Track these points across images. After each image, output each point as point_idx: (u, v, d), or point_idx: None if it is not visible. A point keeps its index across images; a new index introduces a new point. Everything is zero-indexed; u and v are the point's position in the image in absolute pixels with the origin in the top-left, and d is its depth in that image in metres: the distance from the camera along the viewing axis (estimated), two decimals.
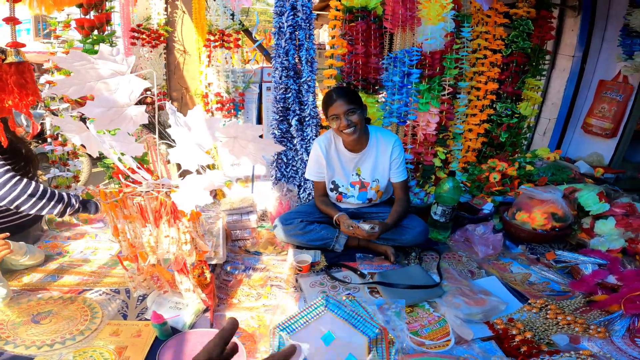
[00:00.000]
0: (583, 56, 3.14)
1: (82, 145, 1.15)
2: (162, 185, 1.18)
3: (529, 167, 2.65)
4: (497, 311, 1.52)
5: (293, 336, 0.48)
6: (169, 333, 1.35)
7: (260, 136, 1.14)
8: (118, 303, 1.53)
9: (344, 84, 2.56)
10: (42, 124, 2.65)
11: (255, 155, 1.18)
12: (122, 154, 1.08)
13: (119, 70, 0.98)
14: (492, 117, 2.84)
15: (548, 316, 1.50)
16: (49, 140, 2.44)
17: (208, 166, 2.74)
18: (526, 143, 3.32)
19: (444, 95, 2.51)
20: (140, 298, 1.58)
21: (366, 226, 1.83)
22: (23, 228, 1.88)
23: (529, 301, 1.61)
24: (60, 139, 2.42)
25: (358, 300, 1.58)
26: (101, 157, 2.52)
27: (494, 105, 2.85)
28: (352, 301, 0.52)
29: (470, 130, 2.77)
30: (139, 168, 1.11)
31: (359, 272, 1.83)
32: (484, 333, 1.43)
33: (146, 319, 1.44)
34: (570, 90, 3.22)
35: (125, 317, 1.47)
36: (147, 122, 1.06)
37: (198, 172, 1.15)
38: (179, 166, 1.13)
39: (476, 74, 2.71)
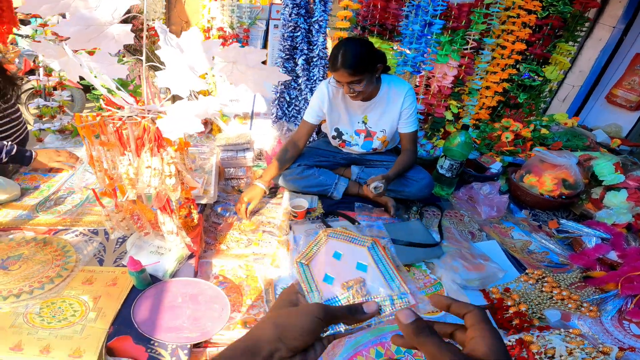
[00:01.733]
0: (625, 28, 2.93)
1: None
2: (148, 111, 1.03)
3: (544, 131, 2.51)
4: (494, 279, 1.46)
5: (311, 261, 0.61)
6: (147, 282, 1.23)
7: (264, 63, 0.97)
8: (95, 246, 1.39)
9: (359, 28, 2.32)
10: (34, 61, 2.44)
11: (256, 83, 1.02)
12: (99, 76, 0.91)
13: None
14: (513, 77, 2.65)
15: (544, 289, 1.46)
16: (37, 71, 2.27)
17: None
18: (544, 107, 3.18)
19: (466, 49, 2.33)
20: (120, 240, 1.45)
21: (373, 186, 1.68)
22: None
23: (527, 271, 1.55)
24: (46, 70, 2.26)
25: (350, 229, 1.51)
26: (90, 88, 2.34)
27: (517, 66, 2.66)
28: (345, 229, 0.55)
29: (488, 87, 2.59)
30: (118, 90, 0.95)
31: (356, 223, 1.74)
32: (479, 302, 1.38)
33: (124, 265, 1.32)
34: (602, 60, 3.07)
35: (101, 262, 1.34)
36: (131, 41, 0.89)
37: (190, 98, 1.00)
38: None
39: (505, 32, 2.48)
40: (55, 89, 2.30)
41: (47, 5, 0.80)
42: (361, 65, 1.61)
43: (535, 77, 2.69)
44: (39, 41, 1.06)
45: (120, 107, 1.05)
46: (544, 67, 2.71)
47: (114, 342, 1.05)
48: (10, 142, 1.66)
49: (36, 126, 2.19)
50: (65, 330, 1.04)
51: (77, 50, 0.90)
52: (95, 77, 0.96)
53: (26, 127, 1.96)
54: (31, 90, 3.08)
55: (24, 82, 2.41)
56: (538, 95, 2.83)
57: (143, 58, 0.97)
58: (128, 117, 1.00)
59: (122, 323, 1.10)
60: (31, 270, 1.21)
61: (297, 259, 0.62)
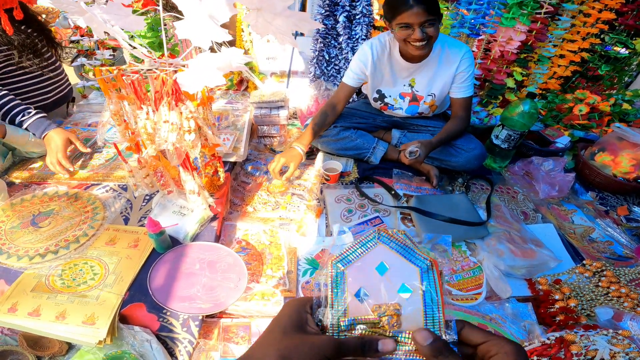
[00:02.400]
0: None
1: (106, 33, 0.91)
2: (170, 64, 0.95)
3: (626, 105, 2.16)
4: (545, 268, 1.29)
5: (349, 267, 0.50)
6: (167, 244, 1.19)
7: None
8: (122, 203, 1.38)
9: None
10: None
11: (284, 32, 0.89)
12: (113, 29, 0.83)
13: None
14: (596, 46, 2.27)
15: (600, 284, 1.26)
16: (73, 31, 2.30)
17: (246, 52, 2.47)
18: (628, 81, 2.75)
19: (539, 14, 2.00)
20: (147, 198, 1.42)
21: (408, 151, 1.53)
22: (44, 111, 1.75)
23: (584, 262, 1.36)
24: (88, 30, 2.28)
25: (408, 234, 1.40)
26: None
27: (602, 36, 2.26)
28: (403, 235, 0.43)
29: (562, 56, 2.24)
30: (136, 43, 0.87)
31: (393, 192, 1.61)
32: (523, 292, 1.22)
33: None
34: None
35: (126, 220, 1.32)
36: None
37: (212, 50, 0.90)
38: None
39: None
40: (96, 48, 2.33)
41: None
42: (436, 2, 1.41)
43: (622, 49, 2.29)
44: None
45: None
46: (635, 40, 2.29)
47: (127, 309, 1.04)
48: (28, 111, 1.60)
49: (80, 84, 2.24)
50: (82, 296, 1.04)
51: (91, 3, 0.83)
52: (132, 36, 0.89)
53: (69, 84, 2.01)
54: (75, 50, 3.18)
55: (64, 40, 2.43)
56: (623, 69, 2.43)
57: (160, 7, 0.87)
58: (147, 70, 0.92)
59: (138, 290, 1.09)
60: (59, 227, 1.23)
61: (333, 259, 0.51)
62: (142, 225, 1.31)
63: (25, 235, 1.19)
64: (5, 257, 1.12)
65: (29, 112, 1.56)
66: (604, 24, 2.15)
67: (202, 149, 1.12)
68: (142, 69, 0.94)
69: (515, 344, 0.39)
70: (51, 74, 1.84)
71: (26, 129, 1.56)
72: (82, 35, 2.47)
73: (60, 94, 1.93)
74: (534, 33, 2.09)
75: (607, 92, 2.37)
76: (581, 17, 2.14)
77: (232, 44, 2.35)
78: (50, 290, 1.05)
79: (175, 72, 0.95)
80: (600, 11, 2.10)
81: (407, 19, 1.41)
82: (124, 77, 0.95)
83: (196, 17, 0.84)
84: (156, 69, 0.95)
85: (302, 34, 2.37)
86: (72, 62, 3.48)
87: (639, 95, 2.39)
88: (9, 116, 1.55)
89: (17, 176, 1.54)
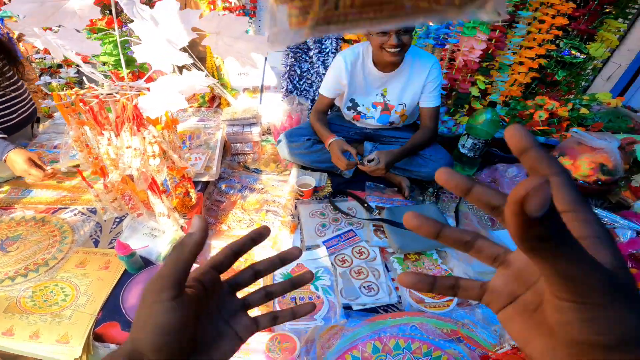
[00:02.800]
0: None
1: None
2: (130, 87, 0.95)
3: (583, 110, 2.27)
4: None
5: None
6: (139, 265, 1.19)
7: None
8: (91, 226, 1.37)
9: None
10: None
11: (243, 55, 0.91)
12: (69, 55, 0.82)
13: None
14: (552, 52, 2.39)
15: None
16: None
17: (213, 73, 2.47)
18: (585, 85, 2.89)
19: (497, 22, 2.09)
20: (117, 221, 1.41)
21: (368, 161, 1.59)
22: (7, 133, 1.73)
23: None
24: None
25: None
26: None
27: (557, 42, 2.39)
28: None
29: (521, 63, 2.35)
30: (112, 73, 0.87)
31: (365, 205, 1.64)
32: None
33: None
34: None
35: (96, 243, 1.32)
36: (98, 15, 0.79)
37: (174, 72, 0.90)
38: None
39: (543, 5, 2.20)
40: (60, 66, 2.28)
41: None
42: None
43: (577, 54, 2.41)
44: (16, 20, 0.98)
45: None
46: (589, 44, 2.43)
47: (102, 328, 1.04)
48: None
49: (45, 103, 2.19)
50: (54, 316, 1.04)
51: (45, 28, 0.82)
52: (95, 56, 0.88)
53: (33, 104, 1.94)
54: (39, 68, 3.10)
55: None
56: (579, 73, 2.56)
57: (116, 32, 0.88)
58: (107, 94, 0.92)
59: (111, 309, 1.09)
60: (28, 251, 1.23)
61: None
62: (112, 248, 1.30)
63: None
64: None
65: None
66: (558, 30, 2.27)
67: (170, 172, 1.11)
68: (102, 93, 0.93)
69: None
70: (14, 94, 1.77)
71: None
72: (45, 52, 2.41)
73: (24, 115, 1.86)
74: (493, 41, 2.18)
75: (565, 97, 2.48)
76: (536, 24, 2.26)
77: (202, 60, 2.35)
78: (22, 311, 1.06)
79: (138, 95, 0.95)
80: (553, 17, 2.21)
81: None
82: (82, 102, 0.94)
83: (154, 41, 0.85)
84: (116, 93, 0.95)
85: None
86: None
87: (595, 99, 2.51)
88: None
89: None
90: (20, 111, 1.83)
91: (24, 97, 1.86)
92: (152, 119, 0.94)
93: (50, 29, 0.94)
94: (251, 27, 2.47)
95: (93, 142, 0.99)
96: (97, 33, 1.86)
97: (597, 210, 1.73)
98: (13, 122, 1.79)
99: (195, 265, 0.63)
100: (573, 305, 0.23)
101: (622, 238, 1.54)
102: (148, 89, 0.95)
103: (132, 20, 0.81)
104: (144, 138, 0.92)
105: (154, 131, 0.94)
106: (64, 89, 2.28)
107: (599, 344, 0.24)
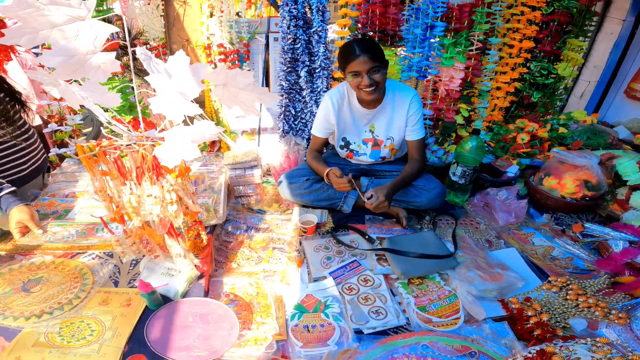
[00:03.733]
0: (635, 21, 2.81)
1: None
2: (146, 137, 1.05)
3: (562, 130, 2.41)
4: (513, 288, 1.40)
5: None
6: (159, 302, 1.26)
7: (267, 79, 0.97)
8: (110, 268, 1.45)
9: (359, 36, 2.30)
10: None
11: (248, 104, 1.02)
12: (91, 106, 0.93)
13: (78, 15, 0.82)
14: (524, 75, 2.57)
15: (568, 297, 1.38)
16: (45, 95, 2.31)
17: (212, 116, 2.60)
18: (560, 105, 3.06)
19: (471, 50, 2.28)
20: (134, 263, 1.49)
21: (366, 197, 1.68)
22: (20, 184, 1.74)
23: (549, 278, 1.48)
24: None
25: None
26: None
27: (528, 65, 2.58)
28: None
29: (498, 88, 2.52)
30: (116, 120, 0.97)
31: (367, 237, 1.71)
32: (497, 312, 1.32)
33: (137, 287, 1.34)
34: (616, 54, 2.93)
35: (116, 283, 1.39)
36: (119, 69, 0.90)
37: (186, 123, 1.00)
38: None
39: (510, 31, 2.42)
40: (69, 113, 2.33)
41: (27, 37, 0.82)
42: (380, 52, 1.63)
43: (547, 74, 2.59)
44: (35, 69, 1.09)
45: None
46: (556, 64, 2.62)
47: None
48: (5, 187, 1.57)
49: (52, 151, 2.21)
50: (83, 349, 1.09)
51: (69, 80, 0.92)
52: (108, 109, 0.98)
53: (44, 153, 1.94)
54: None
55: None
56: (553, 93, 2.73)
57: (134, 85, 0.98)
58: (127, 145, 1.01)
59: (137, 342, 1.14)
60: (51, 292, 1.29)
61: None
62: (132, 287, 1.36)
63: (18, 300, 1.25)
64: (2, 318, 1.17)
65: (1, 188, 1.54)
66: (527, 53, 2.45)
67: (184, 216, 1.19)
68: (122, 144, 1.02)
69: None
70: (25, 144, 1.74)
71: None
72: (51, 99, 2.45)
73: (36, 165, 1.84)
74: (470, 69, 2.34)
75: (543, 118, 2.62)
76: (506, 49, 2.44)
77: (201, 104, 2.47)
78: (50, 345, 1.10)
79: (153, 146, 1.05)
80: (520, 41, 2.40)
81: (356, 67, 1.61)
82: (106, 154, 1.03)
83: (168, 93, 0.95)
84: (134, 143, 1.04)
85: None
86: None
87: (572, 118, 2.66)
88: None
89: (2, 248, 1.54)
90: (32, 161, 1.81)
91: (35, 146, 1.84)
92: (168, 168, 1.03)
93: (75, 81, 1.03)
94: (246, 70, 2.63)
95: (114, 191, 1.07)
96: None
97: (589, 224, 1.82)
98: (25, 172, 1.77)
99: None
100: None
101: (615, 248, 1.62)
102: (162, 139, 1.05)
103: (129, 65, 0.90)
104: (163, 187, 1.01)
105: (171, 180, 1.03)
106: (72, 136, 2.35)
107: None
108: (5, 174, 1.68)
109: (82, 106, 1.03)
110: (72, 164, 2.25)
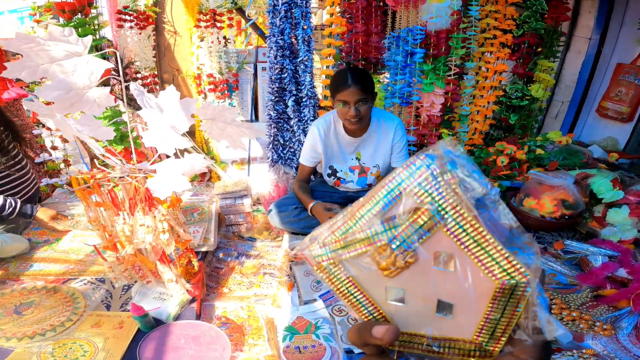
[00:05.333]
0: (600, 39, 3.00)
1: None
2: (139, 170, 1.10)
3: (539, 151, 2.52)
4: None
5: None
6: (151, 325, 1.29)
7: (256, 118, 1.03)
8: (102, 293, 1.47)
9: (344, 64, 2.42)
10: None
11: (235, 138, 1.09)
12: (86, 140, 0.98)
13: (74, 51, 0.89)
14: (501, 99, 2.71)
15: (552, 312, 1.42)
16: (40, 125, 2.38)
17: (202, 146, 2.67)
18: (537, 126, 3.20)
19: (449, 75, 2.41)
20: (125, 288, 1.52)
21: None
22: (12, 214, 1.76)
23: None
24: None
25: None
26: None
27: (503, 87, 2.72)
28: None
29: (477, 112, 2.64)
30: (110, 153, 1.02)
31: None
32: None
33: (129, 310, 1.36)
34: (585, 73, 3.09)
35: (108, 307, 1.42)
36: (113, 104, 0.97)
37: (176, 155, 1.06)
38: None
39: (485, 54, 2.57)
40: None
41: (27, 71, 0.88)
42: (370, 84, 1.70)
43: (522, 96, 2.72)
44: (32, 100, 1.15)
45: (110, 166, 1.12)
46: (530, 86, 2.76)
47: None
48: (13, 199, 1.70)
49: (44, 181, 2.24)
50: None
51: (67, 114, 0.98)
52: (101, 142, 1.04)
53: (36, 183, 1.97)
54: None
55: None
56: (529, 115, 2.86)
57: (126, 117, 1.05)
58: (119, 177, 1.06)
59: None
60: (43, 315, 1.31)
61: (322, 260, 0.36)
62: (124, 311, 1.38)
63: (10, 322, 1.27)
64: None
65: (9, 201, 1.66)
66: (502, 76, 2.59)
67: (176, 244, 1.23)
68: (115, 177, 1.08)
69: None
70: (18, 174, 1.78)
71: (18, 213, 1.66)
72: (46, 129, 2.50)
73: (29, 195, 1.87)
74: (449, 94, 2.46)
75: (521, 140, 2.73)
76: (482, 73, 2.58)
77: (191, 134, 2.54)
78: None
79: (145, 177, 1.10)
80: (494, 64, 2.54)
81: (345, 97, 1.69)
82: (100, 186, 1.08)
83: (159, 127, 1.02)
84: (127, 175, 1.10)
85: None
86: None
87: (548, 139, 2.77)
88: None
89: None
90: (24, 191, 1.84)
91: (27, 176, 1.87)
92: (161, 199, 1.08)
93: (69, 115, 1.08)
94: (235, 100, 2.71)
95: (108, 221, 1.11)
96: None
97: (569, 242, 1.89)
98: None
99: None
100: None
101: (595, 263, 1.68)
102: (154, 171, 1.10)
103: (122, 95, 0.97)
104: (155, 217, 1.06)
105: (163, 210, 1.08)
106: (64, 165, 2.39)
107: None
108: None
109: (77, 138, 1.09)
110: (62, 193, 2.28)
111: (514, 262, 0.31)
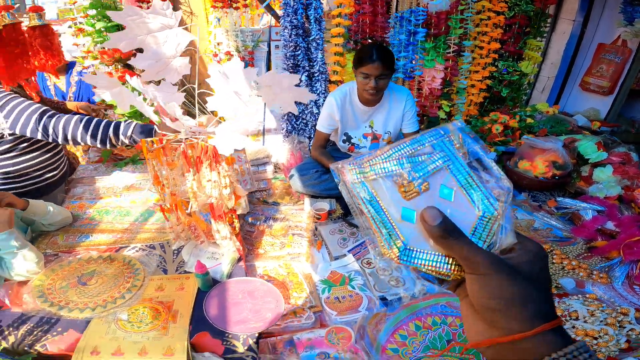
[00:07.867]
0: (584, 21, 3.23)
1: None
2: (199, 132, 1.19)
3: (529, 120, 2.72)
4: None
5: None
6: (210, 283, 1.39)
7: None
8: (156, 258, 1.55)
9: (351, 42, 2.54)
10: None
11: (288, 102, 1.18)
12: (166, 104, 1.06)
13: (168, 24, 0.97)
14: (494, 74, 2.91)
15: (554, 261, 1.60)
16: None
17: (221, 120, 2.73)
18: (525, 98, 3.43)
19: (448, 53, 2.59)
20: (175, 252, 1.59)
21: None
22: (48, 189, 1.84)
23: None
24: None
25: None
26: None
27: (496, 63, 2.92)
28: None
29: (473, 85, 2.83)
30: (184, 114, 1.11)
31: None
32: None
33: (185, 272, 1.48)
34: (569, 51, 3.35)
35: (165, 271, 1.50)
36: (189, 72, 1.05)
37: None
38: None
39: (480, 34, 2.77)
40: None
41: (126, 42, 0.96)
42: (392, 62, 1.84)
43: (512, 72, 2.94)
44: (95, 73, 1.21)
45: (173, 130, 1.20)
46: (520, 63, 2.97)
47: (195, 338, 1.19)
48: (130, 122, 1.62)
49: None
50: (153, 333, 1.18)
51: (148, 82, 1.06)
52: (155, 111, 1.12)
53: (66, 163, 2.02)
54: None
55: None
56: (519, 89, 3.08)
57: (195, 86, 1.13)
58: (185, 139, 1.15)
59: (198, 321, 1.26)
60: (107, 284, 1.36)
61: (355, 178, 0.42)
62: (180, 273, 1.47)
63: (78, 293, 1.31)
64: (67, 311, 1.23)
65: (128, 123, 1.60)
66: (495, 53, 2.79)
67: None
68: (182, 138, 1.16)
69: (538, 244, 0.37)
70: (56, 149, 1.85)
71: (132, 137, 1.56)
72: None
73: (65, 168, 1.94)
74: (449, 70, 2.64)
75: (512, 111, 2.95)
76: (478, 50, 2.77)
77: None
78: (124, 332, 1.17)
79: (205, 139, 1.19)
80: (488, 42, 2.73)
81: (368, 70, 1.81)
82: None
83: (224, 92, 1.11)
84: (191, 137, 1.19)
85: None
86: None
87: (536, 110, 3.00)
88: (110, 133, 1.56)
89: (44, 248, 1.59)
90: (62, 164, 1.91)
91: (64, 151, 1.94)
92: (225, 156, 1.18)
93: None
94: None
95: (171, 179, 1.20)
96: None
97: (561, 199, 2.10)
98: (57, 176, 1.87)
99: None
100: (472, 276, 0.36)
101: (586, 217, 1.88)
102: (214, 133, 1.20)
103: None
104: (219, 172, 1.16)
105: (225, 166, 1.18)
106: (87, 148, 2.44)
107: (492, 307, 0.34)
108: (41, 178, 1.78)
109: (132, 106, 1.16)
110: (86, 169, 2.31)
111: (492, 201, 0.42)
